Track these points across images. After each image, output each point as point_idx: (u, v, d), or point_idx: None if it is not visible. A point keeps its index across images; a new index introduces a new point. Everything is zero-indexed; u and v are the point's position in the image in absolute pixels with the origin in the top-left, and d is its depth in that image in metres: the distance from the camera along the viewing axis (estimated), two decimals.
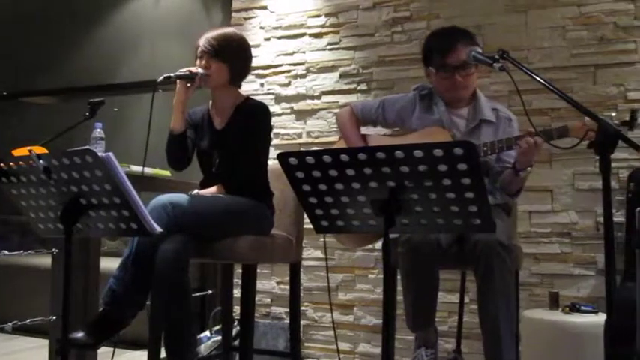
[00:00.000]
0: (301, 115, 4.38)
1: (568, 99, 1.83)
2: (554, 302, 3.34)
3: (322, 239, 4.00)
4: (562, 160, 3.63)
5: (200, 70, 2.72)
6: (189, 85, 2.71)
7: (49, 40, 5.66)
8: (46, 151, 2.12)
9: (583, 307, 3.23)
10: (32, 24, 5.74)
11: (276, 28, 4.52)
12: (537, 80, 1.90)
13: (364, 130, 3.00)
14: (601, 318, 3.09)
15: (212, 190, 2.73)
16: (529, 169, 2.53)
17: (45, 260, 3.81)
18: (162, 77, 2.62)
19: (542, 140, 2.43)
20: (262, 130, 2.82)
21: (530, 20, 3.81)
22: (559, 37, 3.74)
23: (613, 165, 1.70)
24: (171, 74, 2.65)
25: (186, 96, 2.73)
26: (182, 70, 2.70)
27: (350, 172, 1.73)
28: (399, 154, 1.65)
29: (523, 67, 1.97)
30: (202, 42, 2.76)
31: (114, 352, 2.55)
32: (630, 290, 3.02)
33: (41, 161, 1.94)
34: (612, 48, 3.63)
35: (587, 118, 1.82)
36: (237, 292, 3.45)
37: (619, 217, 3.42)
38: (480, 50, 2.36)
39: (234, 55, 2.77)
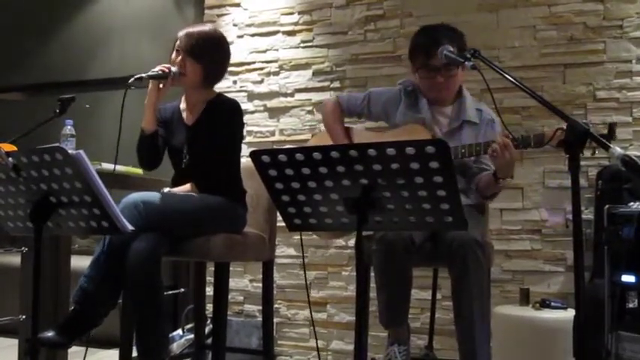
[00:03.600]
0: (274, 112, 4.37)
1: (538, 98, 1.85)
2: (524, 298, 3.38)
3: (296, 237, 4.01)
4: (533, 159, 3.67)
5: (173, 69, 2.68)
6: (161, 85, 2.69)
7: (19, 35, 5.57)
8: (15, 149, 2.09)
9: (553, 303, 3.28)
10: (1, 19, 5.64)
11: (249, 26, 4.50)
12: (508, 79, 1.92)
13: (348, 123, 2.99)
14: (570, 314, 3.14)
15: (184, 188, 2.71)
16: (508, 179, 2.54)
17: (14, 259, 3.75)
18: (133, 78, 2.55)
19: (509, 143, 2.42)
20: (234, 128, 2.80)
21: (501, 19, 3.85)
22: (529, 37, 3.78)
23: (582, 163, 1.72)
24: (143, 75, 2.59)
25: (158, 96, 2.70)
26: (155, 70, 2.66)
27: (323, 169, 1.73)
28: (371, 151, 1.65)
29: (494, 65, 1.98)
30: (182, 37, 2.72)
31: (86, 351, 2.52)
32: (598, 287, 3.08)
33: (10, 159, 1.92)
34: (582, 48, 3.68)
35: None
36: (209, 290, 3.44)
37: (588, 214, 3.47)
38: (450, 49, 2.37)
39: (210, 57, 2.74)
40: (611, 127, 2.36)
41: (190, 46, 2.69)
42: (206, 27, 2.81)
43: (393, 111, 2.82)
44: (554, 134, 2.19)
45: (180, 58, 2.71)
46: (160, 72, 2.66)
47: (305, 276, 3.26)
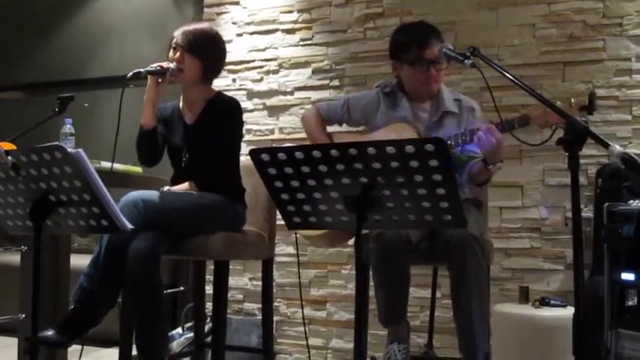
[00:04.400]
0: (274, 111, 4.37)
1: (537, 96, 1.85)
2: (524, 297, 3.38)
3: (294, 235, 4.01)
4: (532, 157, 3.67)
5: (171, 65, 2.69)
6: (160, 80, 2.69)
7: (18, 34, 5.57)
8: (15, 148, 2.09)
9: (552, 301, 3.28)
10: (0, 18, 5.64)
11: (248, 24, 4.50)
12: (507, 77, 1.92)
13: (330, 129, 3.01)
14: (570, 312, 3.13)
15: (184, 187, 2.72)
16: (499, 164, 2.55)
17: (14, 258, 3.75)
18: (132, 73, 2.59)
19: (494, 127, 2.44)
20: (233, 126, 2.80)
21: (500, 17, 3.85)
22: (529, 35, 3.78)
23: (582, 161, 1.72)
24: (142, 70, 2.63)
25: (157, 92, 2.71)
26: (153, 66, 2.67)
27: (322, 168, 1.73)
28: (371, 150, 1.65)
29: (494, 63, 1.98)
30: (178, 34, 2.74)
31: (82, 350, 2.53)
32: (598, 284, 3.07)
33: (9, 157, 1.91)
34: (581, 46, 3.68)
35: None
36: (209, 289, 3.43)
37: (587, 212, 3.47)
38: (450, 47, 2.37)
39: (208, 52, 2.75)
40: (591, 97, 2.36)
41: (188, 42, 2.71)
42: (202, 25, 2.86)
43: (373, 114, 2.85)
44: (554, 131, 2.19)
45: (178, 54, 2.72)
46: (157, 68, 2.67)
47: (299, 274, 3.28)
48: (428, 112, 2.79)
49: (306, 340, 3.58)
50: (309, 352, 3.85)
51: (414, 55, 2.70)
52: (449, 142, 2.59)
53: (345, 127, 3.09)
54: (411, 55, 2.71)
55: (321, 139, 2.90)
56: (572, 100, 2.43)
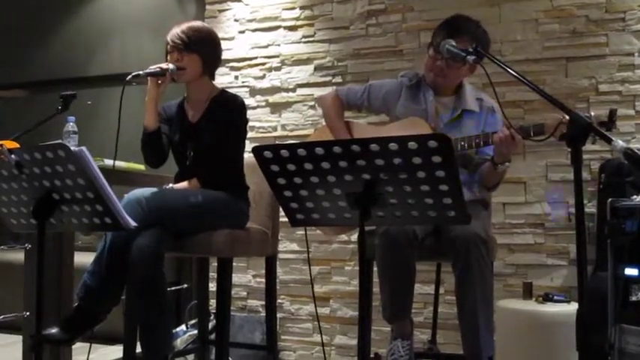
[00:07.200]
0: (276, 108, 4.37)
1: (540, 91, 1.85)
2: (527, 292, 3.38)
3: (299, 232, 4.02)
4: (535, 152, 3.67)
5: (171, 65, 2.69)
6: (160, 82, 2.69)
7: (20, 31, 5.57)
8: (18, 146, 2.09)
9: (556, 297, 3.28)
10: (1, 15, 5.64)
11: (250, 21, 4.50)
12: (510, 73, 1.92)
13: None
14: (573, 307, 3.14)
15: (187, 184, 2.72)
16: (507, 164, 2.52)
17: (18, 256, 3.75)
18: (131, 76, 2.57)
19: (513, 132, 2.41)
20: (237, 123, 2.80)
21: (503, 13, 3.84)
22: (532, 30, 3.77)
23: (585, 157, 1.73)
24: (141, 72, 2.61)
25: (158, 93, 2.70)
26: (152, 67, 2.66)
27: (325, 165, 1.73)
28: (374, 146, 1.65)
29: (496, 60, 1.98)
30: (171, 37, 2.74)
31: (90, 347, 2.53)
32: (601, 280, 3.07)
33: (13, 155, 1.92)
34: (584, 41, 3.67)
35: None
36: (212, 286, 3.43)
37: (591, 208, 3.47)
38: (453, 43, 2.35)
39: (204, 45, 2.76)
40: (612, 113, 2.32)
41: (182, 40, 2.71)
42: (190, 22, 2.85)
43: (393, 104, 2.81)
44: (555, 128, 2.18)
45: (175, 55, 2.72)
46: (157, 69, 2.66)
47: (310, 271, 3.27)
48: (449, 107, 2.75)
49: (321, 335, 3.58)
50: (323, 348, 3.85)
51: (438, 40, 2.59)
52: (462, 143, 2.56)
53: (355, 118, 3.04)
54: (436, 40, 2.63)
55: (336, 124, 2.87)
56: (592, 113, 2.37)
